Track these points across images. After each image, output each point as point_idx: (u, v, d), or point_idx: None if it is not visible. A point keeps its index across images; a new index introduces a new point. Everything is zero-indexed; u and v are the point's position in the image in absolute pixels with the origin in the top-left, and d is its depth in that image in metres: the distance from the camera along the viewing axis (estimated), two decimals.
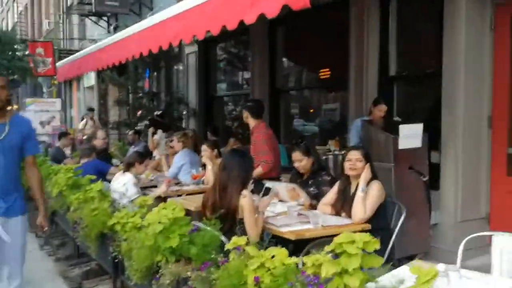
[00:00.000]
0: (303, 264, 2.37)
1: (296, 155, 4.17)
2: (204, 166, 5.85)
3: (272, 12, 3.20)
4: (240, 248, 2.52)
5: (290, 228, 3.34)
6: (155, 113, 9.86)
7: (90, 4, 12.92)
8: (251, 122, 4.95)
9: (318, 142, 7.03)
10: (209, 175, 5.62)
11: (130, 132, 9.31)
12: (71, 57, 8.59)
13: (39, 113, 14.61)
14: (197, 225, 2.94)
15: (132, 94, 12.22)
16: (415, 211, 4.42)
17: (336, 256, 2.24)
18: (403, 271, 2.40)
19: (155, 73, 12.13)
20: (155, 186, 5.82)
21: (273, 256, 2.33)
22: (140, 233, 3.28)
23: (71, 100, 19.23)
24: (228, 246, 2.57)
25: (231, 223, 3.25)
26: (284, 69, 8.03)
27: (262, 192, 3.54)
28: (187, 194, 5.45)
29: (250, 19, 3.49)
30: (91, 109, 13.17)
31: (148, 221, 3.16)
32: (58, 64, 9.03)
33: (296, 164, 4.19)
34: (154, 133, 8.34)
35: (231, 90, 9.66)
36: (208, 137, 8.08)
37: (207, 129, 8.71)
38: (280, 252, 2.33)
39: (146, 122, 10.00)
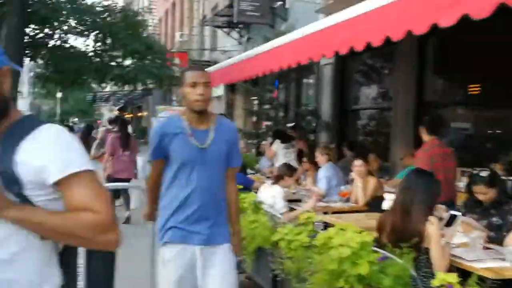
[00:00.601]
0: None
1: (480, 188, 3.67)
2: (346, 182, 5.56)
3: (420, 29, 2.94)
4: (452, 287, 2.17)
5: (485, 265, 2.90)
6: (288, 125, 9.75)
7: (224, 16, 13.29)
8: (425, 137, 4.56)
9: (474, 164, 6.37)
10: (358, 193, 5.30)
11: (265, 142, 9.28)
12: (211, 68, 8.80)
13: None
14: (385, 254, 2.63)
15: (260, 105, 12.30)
16: None
17: None
18: None
19: (285, 84, 12.09)
20: (298, 200, 5.63)
21: None
22: (310, 252, 3.05)
23: None
24: (435, 282, 2.23)
25: (415, 252, 2.89)
26: (434, 83, 7.45)
27: (446, 220, 3.13)
28: (333, 212, 5.18)
29: (397, 36, 3.27)
30: (221, 115, 13.48)
31: (321, 241, 2.93)
32: None
33: (480, 197, 3.70)
34: (271, 143, 8.25)
35: (368, 103, 9.23)
36: (344, 151, 7.78)
37: (342, 143, 8.39)
38: None
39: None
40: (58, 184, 1.44)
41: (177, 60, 13.81)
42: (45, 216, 1.42)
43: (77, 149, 1.50)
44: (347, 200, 5.48)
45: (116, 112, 31.02)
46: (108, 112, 34.21)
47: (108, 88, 24.55)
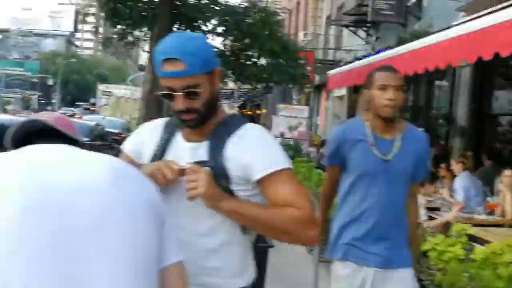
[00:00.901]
0: None
1: None
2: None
3: None
4: None
5: None
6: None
7: (353, 14, 13.12)
8: None
9: None
10: (507, 206, 4.92)
11: None
12: (344, 67, 8.76)
13: (288, 118, 15.55)
14: None
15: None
16: None
17: None
18: None
19: (413, 85, 11.63)
20: (435, 209, 5.39)
21: None
22: (466, 266, 2.90)
23: (318, 108, 20.02)
24: None
25: None
26: None
27: None
28: (475, 224, 4.88)
29: None
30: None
31: (481, 256, 2.76)
32: (331, 73, 9.32)
33: None
34: None
35: (510, 108, 8.54)
36: (483, 160, 7.26)
37: (480, 150, 7.84)
38: None
39: None
40: (260, 180, 1.51)
41: (303, 60, 13.92)
42: (254, 209, 1.50)
43: (277, 147, 1.57)
44: (491, 213, 5.12)
45: (236, 109, 32.04)
46: (228, 109, 35.56)
47: (231, 85, 25.47)
